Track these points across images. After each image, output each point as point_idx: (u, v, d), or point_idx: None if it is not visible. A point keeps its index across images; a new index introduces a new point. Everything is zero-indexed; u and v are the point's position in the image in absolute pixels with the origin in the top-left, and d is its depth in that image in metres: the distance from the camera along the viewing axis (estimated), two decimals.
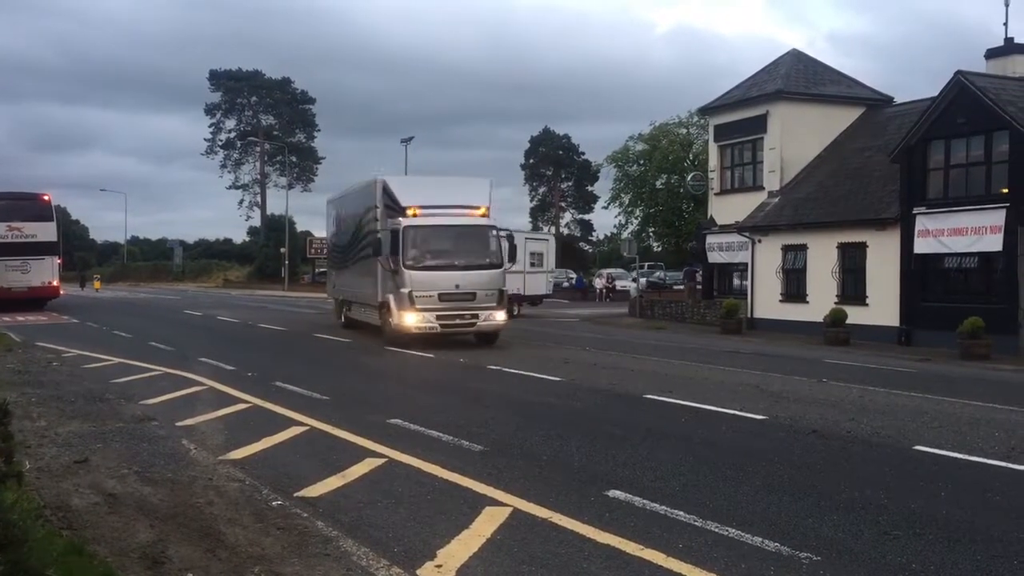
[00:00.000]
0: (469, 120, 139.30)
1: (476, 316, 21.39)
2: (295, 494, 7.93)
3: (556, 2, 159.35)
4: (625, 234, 58.71)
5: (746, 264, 31.80)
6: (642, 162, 57.98)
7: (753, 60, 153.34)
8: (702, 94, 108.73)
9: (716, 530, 6.83)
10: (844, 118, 32.10)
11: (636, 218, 59.88)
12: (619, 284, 53.75)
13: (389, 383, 16.11)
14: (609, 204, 62.00)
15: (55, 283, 38.26)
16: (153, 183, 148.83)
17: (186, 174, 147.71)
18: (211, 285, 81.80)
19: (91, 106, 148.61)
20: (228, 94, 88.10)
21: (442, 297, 21.12)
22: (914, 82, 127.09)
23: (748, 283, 31.69)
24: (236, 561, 6.20)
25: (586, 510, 7.35)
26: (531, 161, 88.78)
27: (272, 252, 77.59)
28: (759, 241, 30.99)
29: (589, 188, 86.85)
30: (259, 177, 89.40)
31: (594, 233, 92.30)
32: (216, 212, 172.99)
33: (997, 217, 22.85)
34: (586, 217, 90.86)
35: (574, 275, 63.73)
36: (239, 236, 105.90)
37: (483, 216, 22.26)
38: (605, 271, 59.82)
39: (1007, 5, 29.58)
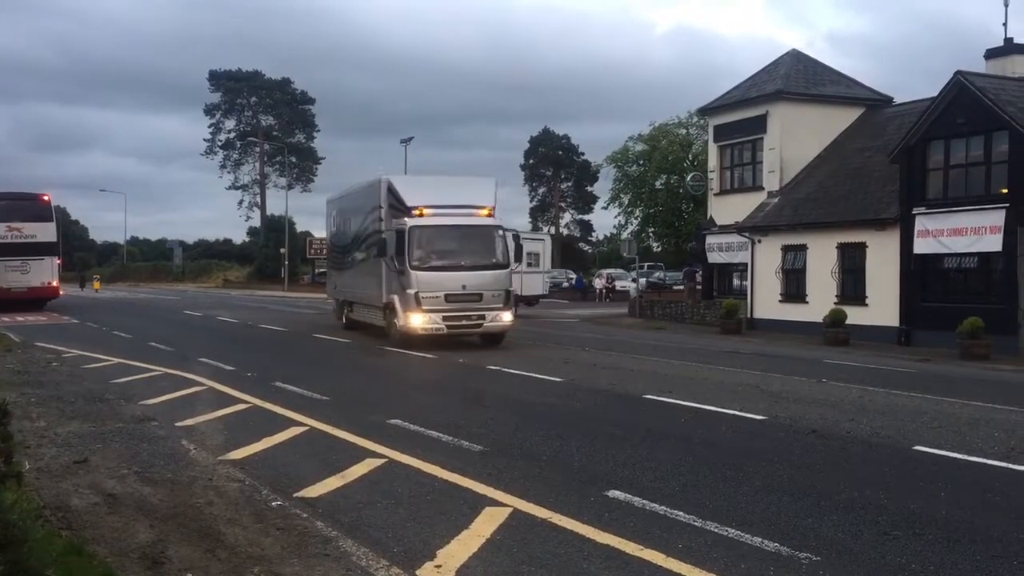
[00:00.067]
0: (469, 120, 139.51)
1: (483, 317, 21.25)
2: (295, 494, 7.93)
3: (556, 2, 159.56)
4: (625, 234, 58.68)
5: (746, 264, 31.80)
6: (642, 162, 57.97)
7: (753, 60, 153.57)
8: (702, 94, 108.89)
9: (716, 530, 6.83)
10: (844, 118, 32.11)
11: (636, 218, 59.90)
12: (619, 284, 53.74)
13: (389, 383, 16.11)
14: (609, 204, 62.06)
15: (55, 283, 38.26)
16: (153, 183, 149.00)
17: (186, 174, 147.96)
18: (211, 285, 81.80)
19: (91, 106, 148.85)
20: (228, 94, 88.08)
21: (448, 298, 20.97)
22: (914, 82, 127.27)
23: (748, 283, 31.69)
24: (236, 561, 6.20)
25: (586, 510, 7.35)
26: (531, 161, 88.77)
27: (272, 252, 77.59)
28: (759, 241, 30.99)
29: (589, 188, 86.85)
30: (259, 177, 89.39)
31: (594, 233, 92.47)
32: (216, 212, 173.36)
33: (997, 217, 22.85)
34: (586, 217, 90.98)
35: (574, 275, 63.73)
36: (239, 236, 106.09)
37: (489, 216, 22.12)
38: (605, 271, 59.80)
39: (1007, 5, 29.63)
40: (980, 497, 7.98)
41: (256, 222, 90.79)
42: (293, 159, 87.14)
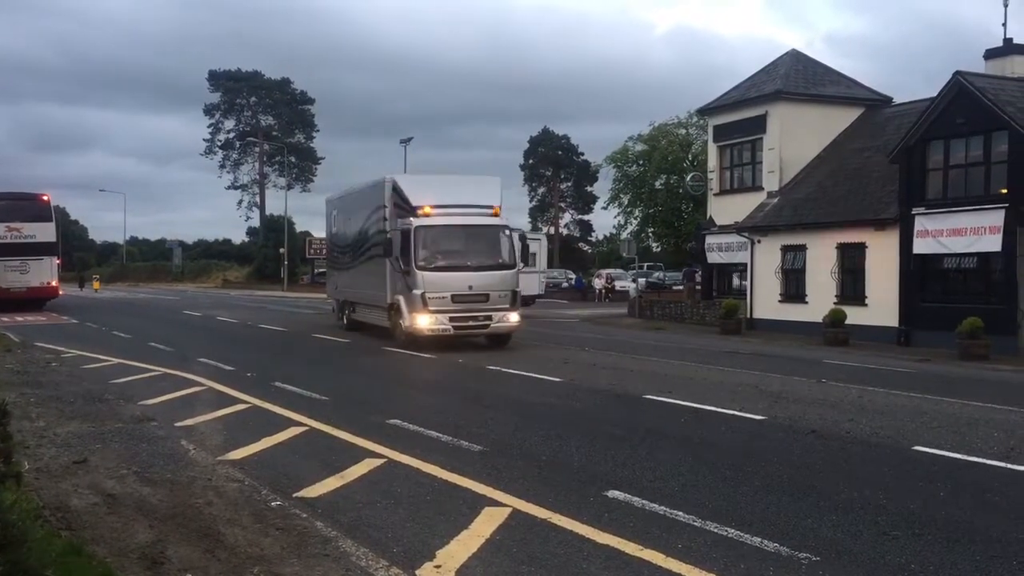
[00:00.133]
0: (468, 120, 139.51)
1: (489, 318, 21.08)
2: (294, 494, 7.93)
3: (555, 2, 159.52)
4: (624, 234, 58.67)
5: (745, 264, 31.79)
6: (641, 162, 58.00)
7: (752, 61, 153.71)
8: (701, 94, 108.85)
9: (715, 530, 6.83)
10: (843, 118, 32.10)
11: (635, 218, 59.92)
12: (618, 284, 53.75)
13: (388, 383, 16.11)
14: (608, 204, 62.08)
15: (54, 283, 38.26)
16: (152, 183, 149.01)
17: (185, 174, 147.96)
18: (210, 285, 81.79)
19: (90, 106, 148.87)
20: (227, 94, 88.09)
21: (455, 298, 20.79)
22: (913, 82, 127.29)
23: (747, 283, 31.68)
24: (235, 561, 6.20)
25: (585, 510, 7.35)
26: (530, 161, 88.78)
27: (271, 252, 77.56)
28: (758, 241, 30.99)
29: (588, 188, 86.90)
30: (258, 177, 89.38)
31: (593, 233, 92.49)
32: (215, 212, 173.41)
33: (996, 217, 22.85)
34: (585, 217, 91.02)
35: (573, 275, 63.73)
36: (238, 236, 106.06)
37: (495, 216, 22.00)
38: (604, 271, 59.79)
39: (1006, 5, 29.62)
40: (979, 497, 7.99)
41: (255, 222, 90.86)
42: (292, 159, 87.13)
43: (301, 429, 10.96)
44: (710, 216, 34.59)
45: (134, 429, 10.97)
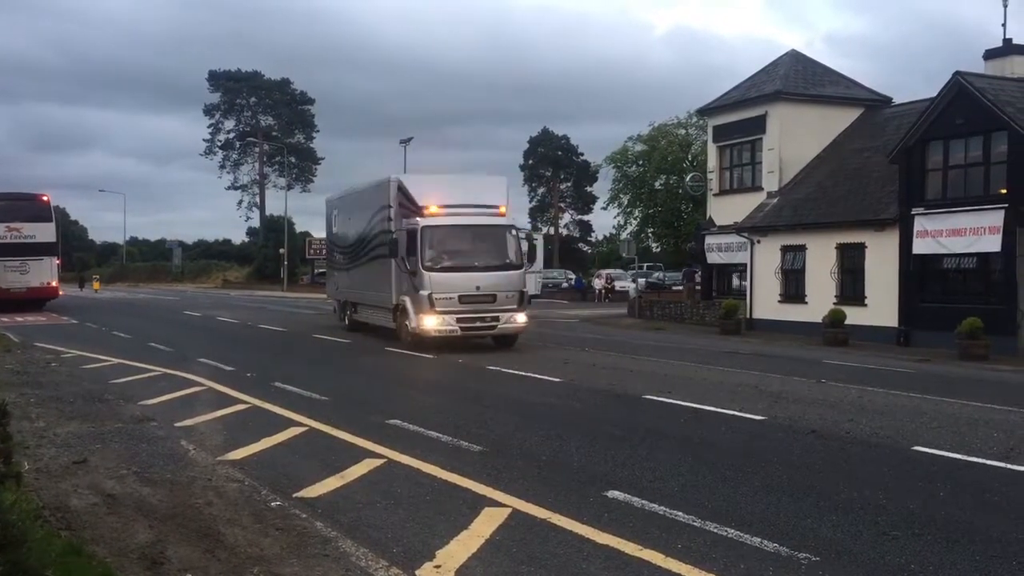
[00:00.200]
0: (468, 121, 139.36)
1: (497, 319, 20.92)
2: (294, 495, 7.93)
3: (555, 3, 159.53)
4: (624, 235, 58.64)
5: (745, 265, 31.79)
6: (641, 163, 58.01)
7: (752, 61, 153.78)
8: (701, 95, 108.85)
9: (715, 530, 6.84)
10: (843, 119, 32.11)
11: (635, 219, 59.91)
12: (618, 285, 53.76)
13: (388, 383, 16.11)
14: (608, 205, 62.09)
15: (54, 284, 38.26)
16: (152, 184, 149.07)
17: (185, 175, 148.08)
18: (210, 286, 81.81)
19: (90, 106, 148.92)
20: (227, 95, 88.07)
21: (462, 299, 20.63)
22: (912, 83, 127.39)
23: (747, 284, 31.68)
24: (235, 562, 6.20)
25: (585, 510, 7.35)
26: (530, 162, 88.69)
27: (271, 253, 77.55)
28: (758, 242, 30.99)
29: (588, 189, 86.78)
30: (258, 178, 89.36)
31: (593, 234, 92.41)
32: (215, 213, 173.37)
33: (995, 218, 22.85)
34: (585, 218, 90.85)
35: (573, 276, 63.73)
36: (238, 237, 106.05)
37: (502, 215, 21.89)
38: (604, 272, 59.79)
39: (1005, 6, 29.64)
40: (979, 497, 7.99)
41: (255, 222, 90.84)
42: (292, 159, 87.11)
43: (301, 429, 10.96)
44: (710, 216, 34.59)
45: (134, 429, 10.97)
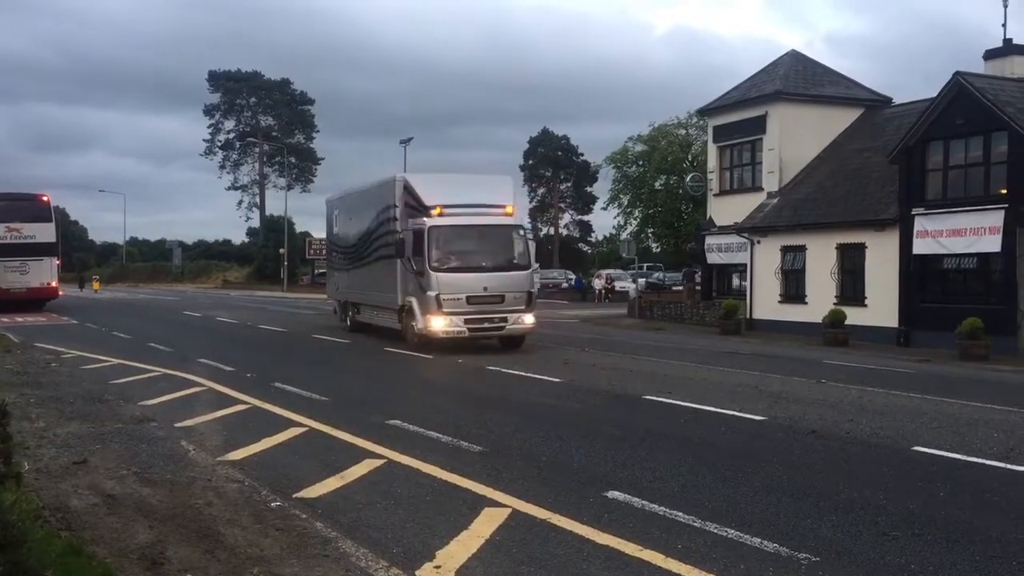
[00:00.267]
0: (468, 121, 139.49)
1: (505, 319, 20.77)
2: (294, 495, 7.93)
3: (555, 3, 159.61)
4: (624, 235, 58.58)
5: (745, 265, 31.79)
6: (641, 163, 58.00)
7: (752, 61, 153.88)
8: (701, 95, 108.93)
9: (715, 531, 6.84)
10: (843, 119, 32.11)
11: (635, 219, 59.89)
12: (618, 285, 53.75)
13: (388, 384, 16.10)
14: (608, 205, 62.06)
15: (54, 284, 38.26)
16: (152, 184, 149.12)
17: (185, 175, 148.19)
18: (210, 286, 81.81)
19: (90, 106, 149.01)
20: (227, 95, 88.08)
21: (470, 300, 20.42)
22: (913, 83, 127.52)
23: (747, 284, 31.68)
24: (235, 562, 6.20)
25: (585, 511, 7.35)
26: (530, 162, 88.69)
27: (271, 253, 77.55)
28: (758, 242, 30.99)
29: (588, 189, 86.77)
30: (258, 178, 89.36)
31: (593, 234, 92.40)
32: (215, 213, 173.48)
33: (996, 218, 22.85)
34: (585, 218, 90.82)
35: (573, 276, 63.72)
36: (238, 237, 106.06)
37: (509, 215, 21.73)
38: (604, 272, 59.77)
39: (1006, 6, 29.54)
40: (979, 497, 7.99)
41: (255, 222, 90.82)
42: (292, 159, 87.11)
43: (301, 430, 10.96)
44: (710, 216, 34.59)
45: (134, 430, 10.97)
